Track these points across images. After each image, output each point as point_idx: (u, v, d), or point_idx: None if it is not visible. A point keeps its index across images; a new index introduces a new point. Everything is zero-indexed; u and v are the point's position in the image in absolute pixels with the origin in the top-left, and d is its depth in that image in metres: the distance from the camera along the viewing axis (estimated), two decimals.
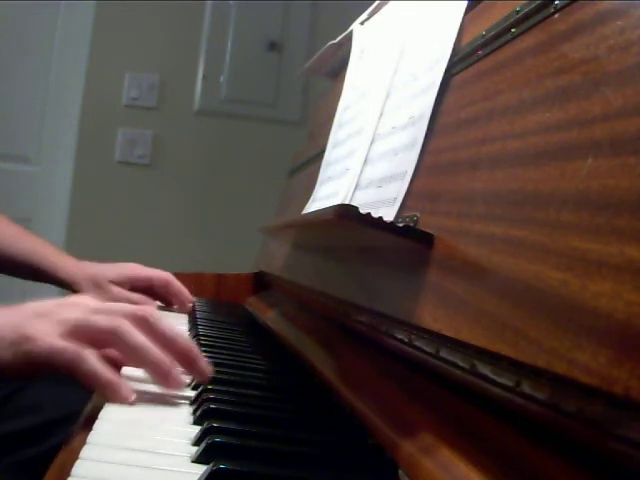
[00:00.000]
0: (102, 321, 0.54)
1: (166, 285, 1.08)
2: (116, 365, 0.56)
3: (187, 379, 0.58)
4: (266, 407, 0.52)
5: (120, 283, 1.04)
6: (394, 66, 0.72)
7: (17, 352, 0.53)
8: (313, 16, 2.41)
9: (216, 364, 0.66)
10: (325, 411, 0.54)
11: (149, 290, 1.07)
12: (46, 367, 0.53)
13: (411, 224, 0.51)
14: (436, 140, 0.54)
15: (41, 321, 0.54)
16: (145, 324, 0.55)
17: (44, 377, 0.86)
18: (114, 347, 0.55)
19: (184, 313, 1.04)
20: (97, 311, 0.56)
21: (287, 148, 1.83)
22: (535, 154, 0.38)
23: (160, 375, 0.54)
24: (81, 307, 0.57)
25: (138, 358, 0.54)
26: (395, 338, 0.50)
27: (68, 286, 1.02)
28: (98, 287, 1.02)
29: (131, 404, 0.51)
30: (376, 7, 0.94)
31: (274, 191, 1.50)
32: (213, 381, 0.57)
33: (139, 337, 0.54)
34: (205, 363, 0.57)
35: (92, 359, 0.52)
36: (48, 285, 1.04)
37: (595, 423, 0.27)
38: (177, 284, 1.09)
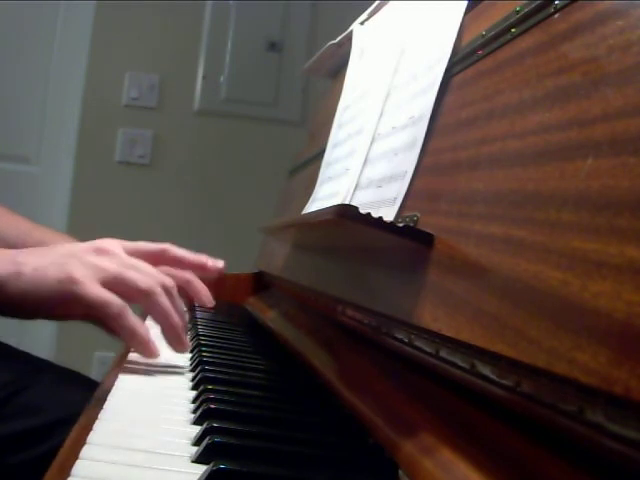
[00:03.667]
0: (140, 280, 0.61)
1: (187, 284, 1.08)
2: None
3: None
4: (266, 407, 0.52)
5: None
6: (394, 66, 0.72)
7: (65, 292, 0.58)
8: (313, 16, 2.41)
9: (216, 364, 0.66)
10: (325, 411, 0.54)
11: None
12: (88, 312, 0.59)
13: (411, 224, 0.50)
14: (436, 140, 0.54)
15: (83, 265, 0.60)
16: (168, 292, 0.63)
17: (46, 377, 0.86)
18: (143, 304, 0.62)
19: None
20: (133, 267, 0.63)
21: (287, 148, 1.83)
22: (535, 154, 0.38)
23: (175, 337, 0.63)
24: (116, 258, 0.64)
25: (162, 319, 0.62)
26: (395, 338, 0.50)
27: None
28: None
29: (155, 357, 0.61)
30: (376, 7, 0.94)
31: (274, 191, 1.50)
32: (213, 381, 0.58)
33: (167, 301, 0.62)
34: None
35: (132, 316, 0.59)
36: None
37: (595, 423, 0.27)
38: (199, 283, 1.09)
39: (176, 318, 0.62)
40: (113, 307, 0.58)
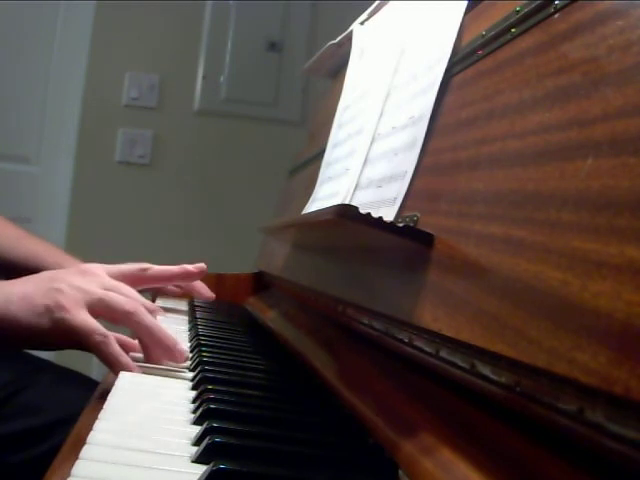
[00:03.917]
0: (123, 302, 0.63)
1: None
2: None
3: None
4: (266, 407, 0.52)
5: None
6: (394, 66, 0.72)
7: (53, 319, 0.60)
8: (313, 16, 2.41)
9: (216, 364, 0.66)
10: (325, 411, 0.54)
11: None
12: (76, 339, 0.60)
13: (411, 224, 0.50)
14: (436, 140, 0.54)
15: (69, 287, 0.62)
16: (151, 312, 0.65)
17: (46, 376, 0.86)
18: (128, 324, 0.63)
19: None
20: (116, 289, 0.65)
21: (287, 148, 1.83)
22: (535, 154, 0.38)
23: (167, 349, 0.63)
24: (100, 280, 0.66)
25: (149, 335, 0.63)
26: (395, 338, 0.50)
27: None
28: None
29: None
30: (376, 7, 0.94)
31: (274, 191, 1.50)
32: (213, 381, 0.58)
33: (151, 318, 0.63)
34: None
35: (115, 344, 0.59)
36: None
37: (595, 423, 0.27)
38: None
39: (162, 333, 0.63)
40: (96, 336, 0.59)
